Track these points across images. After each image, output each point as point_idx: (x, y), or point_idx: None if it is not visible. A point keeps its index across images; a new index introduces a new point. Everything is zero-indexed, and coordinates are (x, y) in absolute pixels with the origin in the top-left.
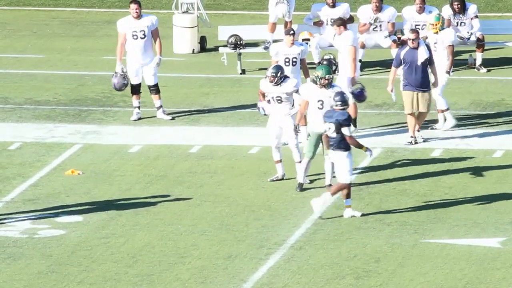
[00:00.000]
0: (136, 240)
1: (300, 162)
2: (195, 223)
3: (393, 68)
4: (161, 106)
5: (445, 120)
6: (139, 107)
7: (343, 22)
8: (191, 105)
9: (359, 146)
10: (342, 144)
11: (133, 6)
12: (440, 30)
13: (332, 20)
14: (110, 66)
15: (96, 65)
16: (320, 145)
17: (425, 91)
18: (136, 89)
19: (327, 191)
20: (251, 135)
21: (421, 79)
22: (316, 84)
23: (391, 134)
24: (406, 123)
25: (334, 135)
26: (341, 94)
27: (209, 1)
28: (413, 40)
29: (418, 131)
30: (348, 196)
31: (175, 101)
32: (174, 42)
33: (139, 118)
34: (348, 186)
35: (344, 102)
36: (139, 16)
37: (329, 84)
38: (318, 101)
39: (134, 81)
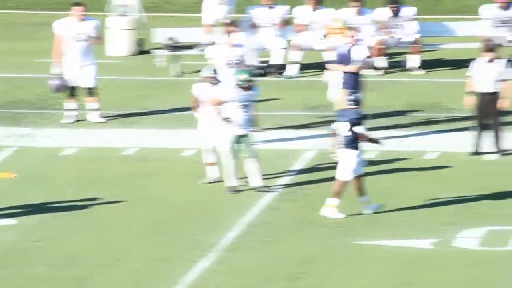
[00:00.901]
0: (71, 243)
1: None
2: (130, 225)
3: (336, 66)
4: (97, 109)
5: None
6: (75, 110)
7: (232, 24)
8: (128, 108)
9: (372, 141)
10: (354, 143)
11: (79, 8)
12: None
13: (270, 22)
14: (46, 68)
15: (32, 68)
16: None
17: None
18: (72, 92)
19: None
20: (187, 137)
21: (359, 79)
22: (241, 87)
23: (326, 136)
24: None
25: (348, 133)
26: (354, 93)
27: (147, 3)
28: (353, 37)
29: None
30: (337, 195)
31: (112, 104)
32: (111, 44)
33: (75, 121)
34: (343, 185)
35: (357, 101)
36: (82, 19)
37: (253, 87)
38: (243, 105)
39: (72, 83)
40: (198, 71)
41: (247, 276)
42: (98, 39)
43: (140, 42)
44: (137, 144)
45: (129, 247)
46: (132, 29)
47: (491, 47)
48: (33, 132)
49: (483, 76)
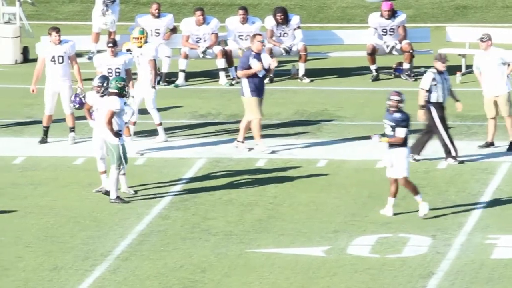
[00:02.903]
0: None
1: (124, 174)
2: (19, 235)
3: (244, 72)
4: None
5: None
6: None
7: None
8: (14, 116)
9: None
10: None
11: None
12: (144, 44)
13: (157, 31)
14: None
15: None
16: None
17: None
18: None
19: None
20: (76, 146)
21: (264, 85)
22: (118, 95)
23: (215, 144)
24: (228, 132)
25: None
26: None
27: (32, 11)
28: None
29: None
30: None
31: None
32: None
33: None
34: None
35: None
36: None
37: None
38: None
39: None
40: (85, 80)
41: (141, 284)
42: None
43: (25, 50)
44: (25, 152)
45: (19, 257)
46: (16, 37)
47: (444, 58)
48: None
49: (439, 87)
